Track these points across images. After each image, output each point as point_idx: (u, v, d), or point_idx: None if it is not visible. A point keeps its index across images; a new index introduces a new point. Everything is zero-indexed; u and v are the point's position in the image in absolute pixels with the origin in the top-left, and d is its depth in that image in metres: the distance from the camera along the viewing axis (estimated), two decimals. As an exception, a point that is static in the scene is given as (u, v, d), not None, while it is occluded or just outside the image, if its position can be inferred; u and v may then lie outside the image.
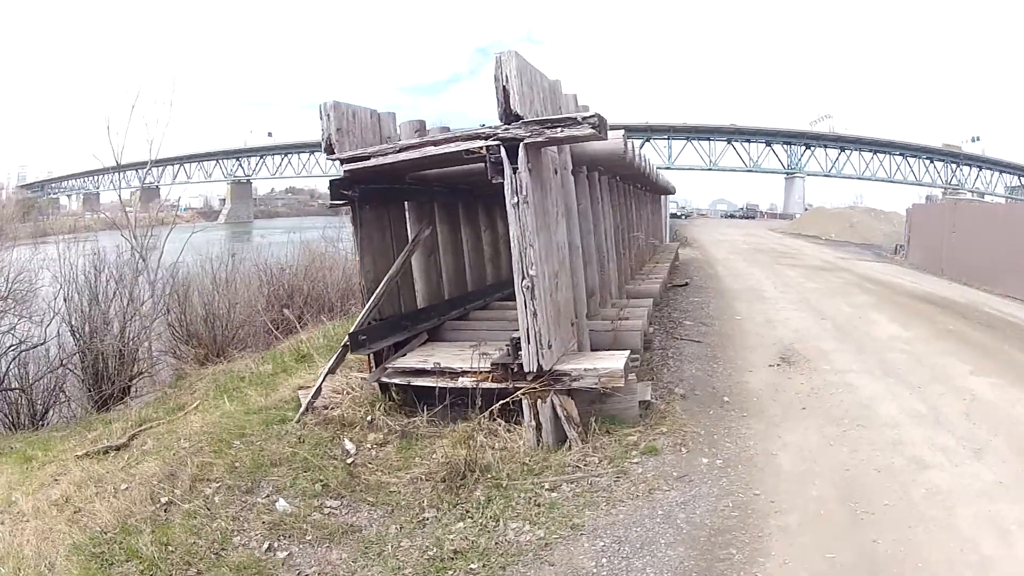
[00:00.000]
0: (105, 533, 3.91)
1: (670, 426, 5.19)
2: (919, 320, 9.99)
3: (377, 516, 4.21)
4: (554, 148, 5.30)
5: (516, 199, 4.53)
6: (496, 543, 3.70)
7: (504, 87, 4.55)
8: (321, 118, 5.79)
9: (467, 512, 4.10)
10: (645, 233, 13.18)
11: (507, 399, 4.95)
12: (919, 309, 11.15)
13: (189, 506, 4.17)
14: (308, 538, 3.92)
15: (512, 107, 4.53)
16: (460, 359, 5.44)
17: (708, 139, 56.39)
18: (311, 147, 65.88)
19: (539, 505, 4.06)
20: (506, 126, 4.55)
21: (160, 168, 74.14)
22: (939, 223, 18.27)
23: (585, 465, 4.50)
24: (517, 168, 4.51)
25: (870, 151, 58.98)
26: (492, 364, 5.04)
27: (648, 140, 57.40)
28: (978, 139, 61.90)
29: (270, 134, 74.60)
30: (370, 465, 4.91)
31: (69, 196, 75.43)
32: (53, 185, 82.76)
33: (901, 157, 59.72)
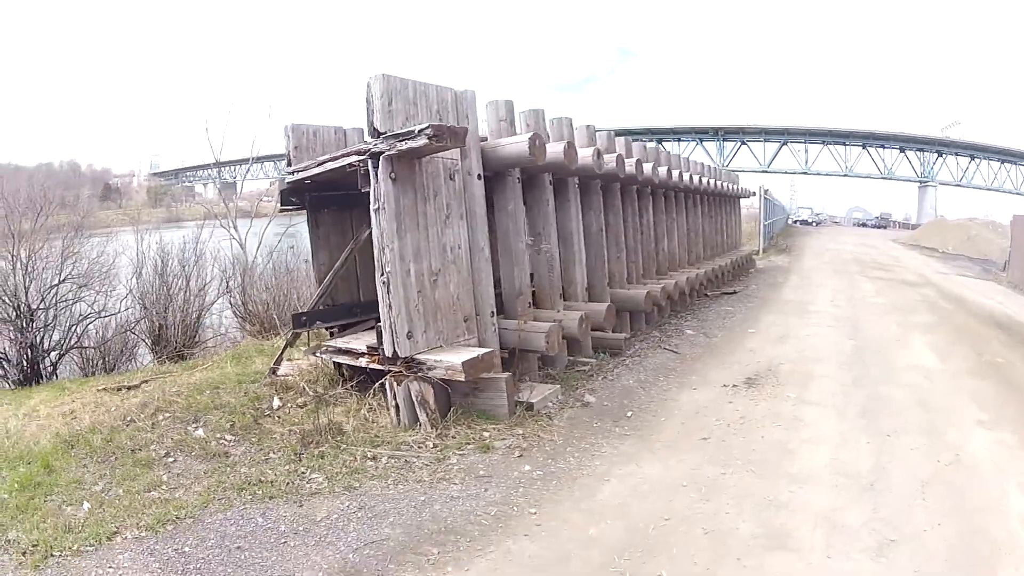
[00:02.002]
0: (79, 431, 5.52)
1: (530, 430, 5.33)
2: (966, 348, 8.80)
3: (248, 451, 5.12)
4: (451, 154, 5.79)
5: (376, 205, 5.15)
6: (287, 483, 4.43)
7: (371, 107, 5.18)
8: (284, 137, 6.74)
9: (300, 460, 4.82)
10: (687, 238, 12.97)
11: (381, 380, 5.57)
12: (978, 334, 9.86)
13: (141, 424, 5.66)
14: (193, 454, 5.05)
15: (374, 124, 5.15)
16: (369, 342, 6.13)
17: (843, 143, 53.46)
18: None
19: (349, 467, 4.66)
20: (375, 141, 5.16)
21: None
22: (1038, 235, 15.71)
23: (419, 447, 4.97)
24: (378, 179, 5.11)
25: (998, 160, 52.84)
26: (367, 347, 5.69)
27: (785, 144, 55.66)
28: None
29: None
30: (277, 417, 5.83)
31: (204, 184, 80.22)
32: (188, 173, 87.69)
33: (1030, 167, 53.41)
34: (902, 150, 53.91)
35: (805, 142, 54.46)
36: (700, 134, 58.71)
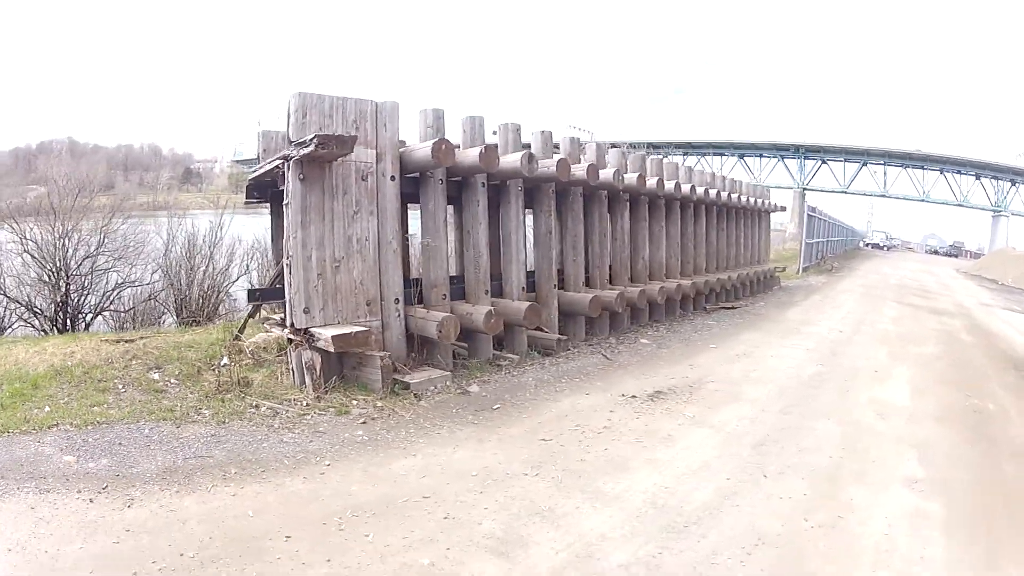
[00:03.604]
0: (69, 365, 6.89)
1: (391, 404, 5.99)
2: (953, 388, 7.76)
3: (180, 391, 6.29)
4: (366, 157, 6.76)
5: (286, 200, 6.25)
6: (182, 413, 5.63)
7: (288, 120, 6.28)
8: (257, 141, 8.00)
9: (207, 400, 6.02)
10: (682, 249, 13.25)
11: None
12: (982, 373, 8.82)
13: (116, 364, 6.99)
14: (140, 388, 6.30)
15: (289, 134, 6.24)
16: (291, 317, 7.23)
17: (921, 167, 51.87)
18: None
19: (233, 410, 5.75)
20: (290, 148, 6.24)
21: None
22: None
23: (296, 403, 5.95)
24: (288, 178, 6.19)
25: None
26: (279, 318, 6.77)
27: (865, 164, 55.00)
28: None
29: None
30: (219, 372, 6.92)
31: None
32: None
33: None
34: (977, 177, 51.99)
35: (884, 164, 53.48)
36: (782, 151, 59.03)
